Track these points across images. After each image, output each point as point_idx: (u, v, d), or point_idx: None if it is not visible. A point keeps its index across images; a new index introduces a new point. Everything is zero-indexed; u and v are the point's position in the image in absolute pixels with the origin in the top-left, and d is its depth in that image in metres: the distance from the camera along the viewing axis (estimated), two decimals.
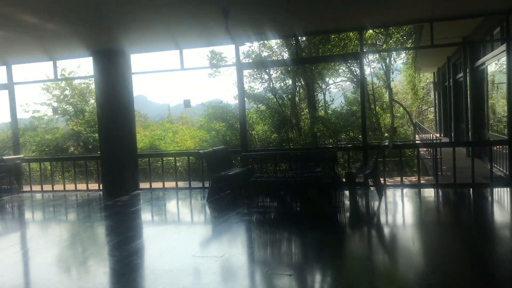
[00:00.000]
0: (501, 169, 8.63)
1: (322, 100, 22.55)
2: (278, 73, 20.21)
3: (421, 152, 13.82)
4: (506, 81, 7.85)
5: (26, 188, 10.25)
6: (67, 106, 19.82)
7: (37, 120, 20.29)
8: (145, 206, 7.87)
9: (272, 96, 20.02)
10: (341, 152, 12.15)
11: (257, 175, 6.72)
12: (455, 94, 14.79)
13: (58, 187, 10.12)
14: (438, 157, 9.38)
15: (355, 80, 22.12)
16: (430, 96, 31.49)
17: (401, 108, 26.35)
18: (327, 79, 22.68)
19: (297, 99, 20.99)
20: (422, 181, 8.34)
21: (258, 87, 20.72)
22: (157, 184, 9.59)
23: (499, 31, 8.87)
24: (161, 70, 9.58)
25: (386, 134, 19.56)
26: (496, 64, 9.94)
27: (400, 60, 23.77)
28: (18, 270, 4.61)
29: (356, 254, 4.68)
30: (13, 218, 7.68)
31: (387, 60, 21.70)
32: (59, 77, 16.40)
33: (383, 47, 18.24)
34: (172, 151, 17.09)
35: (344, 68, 22.39)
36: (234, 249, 5.07)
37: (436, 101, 22.07)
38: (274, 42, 19.82)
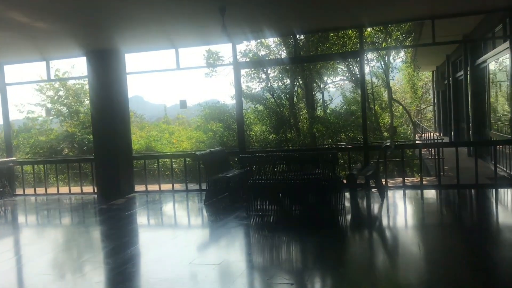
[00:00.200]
0: (504, 169, 8.47)
1: (321, 99, 22.35)
2: (276, 73, 19.99)
3: (422, 152, 13.66)
4: (509, 79, 7.69)
5: (19, 191, 10.02)
6: (61, 107, 19.56)
7: (32, 121, 20.02)
8: (141, 209, 7.67)
9: (270, 96, 19.81)
10: (341, 153, 11.95)
11: (256, 177, 6.53)
12: (454, 93, 14.66)
13: (52, 190, 9.91)
14: (441, 157, 9.20)
15: (353, 79, 21.94)
16: (429, 94, 31.39)
17: (400, 107, 26.21)
18: (325, 78, 22.48)
19: (295, 98, 20.78)
20: (424, 182, 8.17)
21: (255, 86, 20.51)
22: (153, 187, 9.40)
23: (501, 29, 8.72)
24: (157, 70, 9.44)
25: (385, 134, 19.40)
26: (496, 62, 9.79)
27: (399, 59, 23.63)
28: (10, 278, 4.41)
29: (359, 260, 4.49)
30: (5, 223, 7.49)
31: (386, 59, 21.54)
32: (53, 77, 16.16)
33: (383, 46, 18.08)
34: (168, 153, 16.86)
35: (343, 67, 22.20)
36: (232, 255, 4.88)
37: (435, 100, 21.95)
38: (272, 41, 19.61)
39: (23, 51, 8.64)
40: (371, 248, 4.95)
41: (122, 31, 7.47)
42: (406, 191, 7.67)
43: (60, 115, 19.59)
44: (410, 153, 15.17)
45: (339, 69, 22.65)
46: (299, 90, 21.18)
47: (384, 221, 6.06)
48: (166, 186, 9.50)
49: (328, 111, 21.27)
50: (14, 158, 10.20)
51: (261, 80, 20.28)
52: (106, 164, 8.84)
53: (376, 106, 21.77)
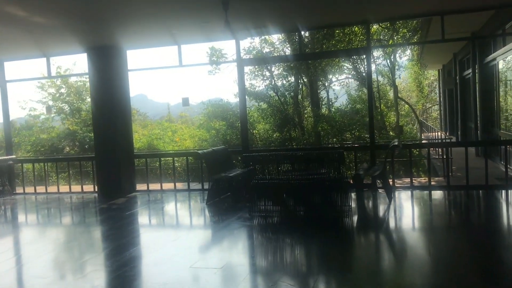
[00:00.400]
0: None
1: (326, 97, 22.09)
2: (280, 70, 19.75)
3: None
4: None
5: (19, 190, 9.89)
6: (63, 104, 19.40)
7: (34, 118, 19.90)
8: (142, 209, 7.51)
9: (274, 94, 19.58)
10: (346, 152, 11.76)
11: (259, 177, 6.35)
12: (462, 92, 14.40)
13: (52, 188, 9.77)
14: (450, 157, 8.98)
15: (359, 77, 21.68)
16: (434, 93, 31.05)
17: (406, 106, 25.93)
18: (330, 76, 22.23)
19: (299, 97, 20.54)
20: (432, 183, 7.95)
21: (259, 84, 20.26)
22: (154, 186, 9.25)
23: (511, 26, 8.49)
24: (159, 67, 9.48)
25: (391, 133, 19.15)
26: (504, 60, 9.55)
27: (405, 57, 23.34)
28: (8, 279, 4.27)
29: (366, 265, 4.30)
30: (5, 222, 7.37)
31: (392, 57, 21.27)
32: (54, 74, 16.04)
33: (390, 43, 17.82)
34: (170, 151, 16.70)
35: (348, 65, 21.94)
36: (235, 258, 4.70)
37: (441, 99, 21.66)
38: (276, 38, 19.38)
39: (23, 47, 8.50)
40: (378, 251, 4.77)
41: (123, 27, 7.30)
42: (414, 192, 7.47)
43: (62, 113, 19.45)
44: (417, 152, 14.93)
45: (344, 67, 22.39)
46: (303, 88, 20.94)
47: (391, 223, 5.88)
48: (168, 185, 9.34)
49: (333, 109, 21.01)
50: (14, 156, 10.07)
51: (265, 78, 20.05)
52: (107, 162, 8.69)
53: (382, 105, 21.52)
